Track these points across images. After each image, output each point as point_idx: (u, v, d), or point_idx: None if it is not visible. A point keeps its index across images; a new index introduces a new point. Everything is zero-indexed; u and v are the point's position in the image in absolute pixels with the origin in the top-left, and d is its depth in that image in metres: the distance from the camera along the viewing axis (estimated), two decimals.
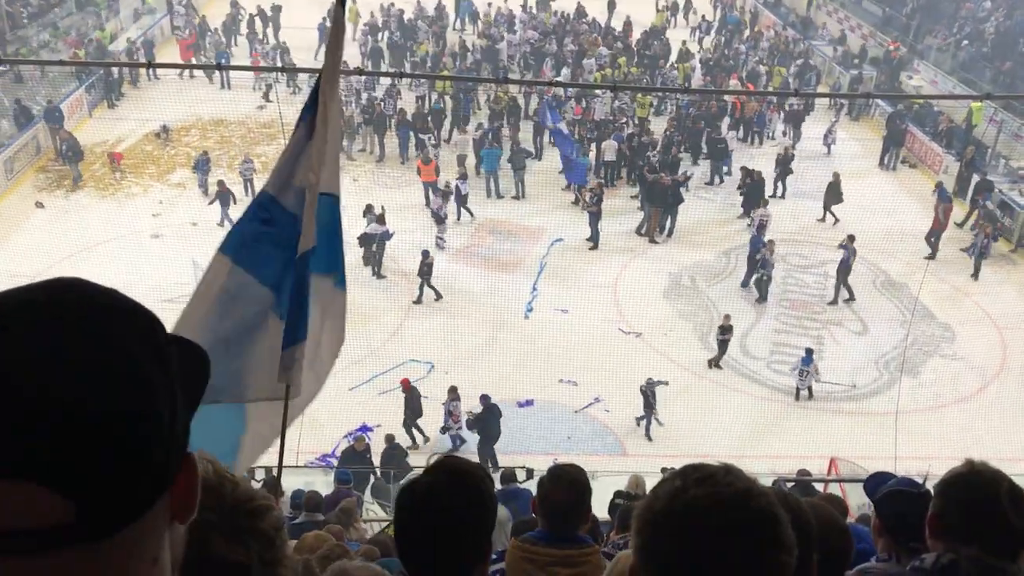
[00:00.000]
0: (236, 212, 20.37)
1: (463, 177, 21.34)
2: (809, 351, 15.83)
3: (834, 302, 18.67)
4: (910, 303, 18.20)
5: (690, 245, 20.32)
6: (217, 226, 19.71)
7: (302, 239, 3.87)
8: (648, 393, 14.71)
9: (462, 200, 21.11)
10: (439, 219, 19.97)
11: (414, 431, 14.60)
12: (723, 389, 16.04)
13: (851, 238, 18.29)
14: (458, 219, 21.02)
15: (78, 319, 0.79)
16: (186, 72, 26.35)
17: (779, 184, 22.48)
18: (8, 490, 0.72)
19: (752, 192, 21.09)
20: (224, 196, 20.14)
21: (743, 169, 21.81)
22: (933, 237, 20.14)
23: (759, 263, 18.25)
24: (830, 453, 13.80)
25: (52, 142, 22.46)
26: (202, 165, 21.26)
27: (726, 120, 25.34)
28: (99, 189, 21.95)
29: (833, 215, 21.38)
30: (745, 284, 18.81)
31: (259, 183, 19.51)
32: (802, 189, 22.51)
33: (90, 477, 0.75)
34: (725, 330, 16.37)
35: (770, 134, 26.15)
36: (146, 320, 0.84)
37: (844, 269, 18.48)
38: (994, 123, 23.56)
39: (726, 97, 25.81)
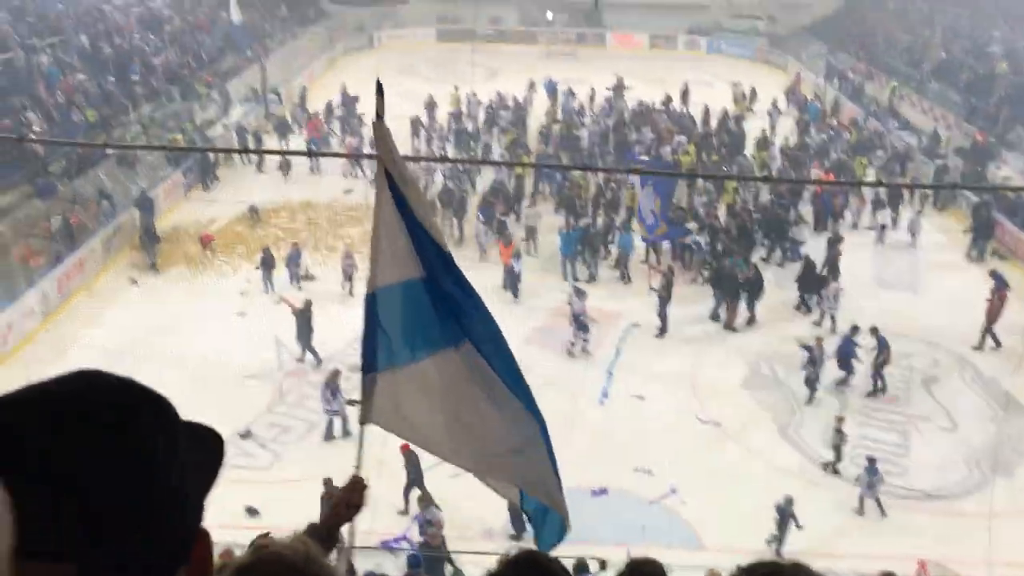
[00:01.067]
0: (277, 278, 21.05)
1: (517, 256, 21.61)
2: (872, 460, 14.92)
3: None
4: (1001, 398, 17.52)
5: (769, 333, 19.99)
6: (250, 282, 20.39)
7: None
8: (785, 513, 13.71)
9: (515, 279, 21.32)
10: (582, 325, 19.24)
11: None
12: (804, 483, 15.53)
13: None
14: (515, 298, 21.13)
15: (96, 410, 0.86)
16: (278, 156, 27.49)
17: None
18: (45, 571, 0.79)
19: (811, 280, 20.95)
20: (267, 261, 21.31)
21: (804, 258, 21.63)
22: (990, 325, 19.50)
23: (809, 359, 17.72)
24: (917, 554, 13.18)
25: (139, 227, 23.23)
26: (267, 262, 21.73)
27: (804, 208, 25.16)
28: (191, 267, 22.78)
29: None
30: (843, 383, 18.26)
31: (359, 278, 19.98)
32: (886, 279, 22.07)
33: (112, 553, 0.82)
34: (839, 433, 15.68)
35: (854, 224, 25.86)
36: (160, 408, 0.92)
37: None
38: None
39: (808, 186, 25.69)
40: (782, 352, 19.38)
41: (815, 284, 20.95)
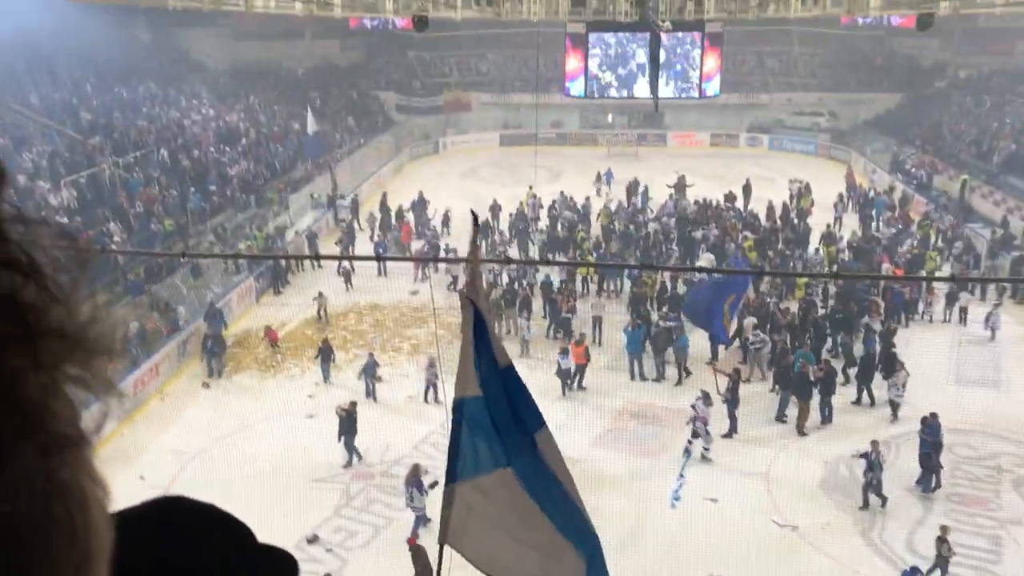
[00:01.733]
0: (336, 372, 21.12)
1: (564, 352, 21.56)
2: (915, 569, 14.31)
3: None
4: None
5: (846, 432, 19.34)
6: (318, 385, 20.53)
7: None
8: None
9: (564, 375, 21.24)
10: (700, 431, 18.76)
11: None
12: None
13: None
14: (563, 393, 20.88)
15: (179, 532, 0.89)
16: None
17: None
18: None
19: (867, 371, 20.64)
20: (326, 352, 22.04)
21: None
22: None
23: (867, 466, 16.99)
24: None
25: (206, 338, 23.42)
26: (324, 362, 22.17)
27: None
28: (261, 370, 23.14)
29: None
30: (926, 489, 17.52)
31: (446, 387, 20.14)
32: (966, 375, 21.32)
33: None
34: (944, 543, 14.81)
35: (929, 317, 25.25)
36: (238, 534, 0.94)
37: None
38: None
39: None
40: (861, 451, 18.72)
41: (869, 375, 20.58)
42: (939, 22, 25.87)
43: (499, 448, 4.58)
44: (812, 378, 19.80)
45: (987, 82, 48.91)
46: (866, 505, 16.75)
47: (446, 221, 32.86)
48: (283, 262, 28.59)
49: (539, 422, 4.81)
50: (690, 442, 18.76)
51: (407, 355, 23.87)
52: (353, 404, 18.73)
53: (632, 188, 36.45)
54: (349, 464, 18.63)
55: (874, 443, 16.91)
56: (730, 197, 35.18)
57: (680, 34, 28.81)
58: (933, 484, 17.40)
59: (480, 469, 4.51)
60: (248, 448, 18.95)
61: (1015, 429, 19.13)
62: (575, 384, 21.74)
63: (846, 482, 17.85)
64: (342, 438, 18.54)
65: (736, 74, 51.91)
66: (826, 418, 19.94)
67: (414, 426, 19.61)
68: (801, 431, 19.70)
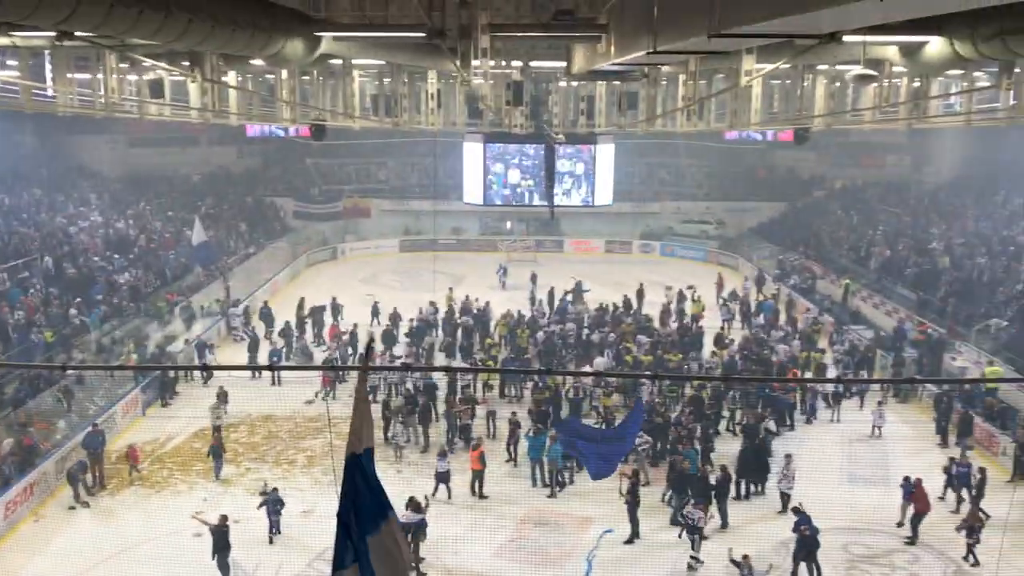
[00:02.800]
0: (226, 488, 20.22)
1: (442, 455, 21.56)
2: None
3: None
4: None
5: (744, 537, 19.43)
6: (206, 500, 19.66)
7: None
8: None
9: (441, 478, 21.16)
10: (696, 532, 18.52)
11: None
12: None
13: None
14: (433, 494, 20.65)
15: None
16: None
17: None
18: None
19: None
20: (216, 449, 21.85)
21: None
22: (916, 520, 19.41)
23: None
24: None
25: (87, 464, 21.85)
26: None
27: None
28: (146, 488, 21.98)
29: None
30: None
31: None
32: (857, 474, 21.85)
33: None
34: None
35: (808, 419, 26.06)
36: None
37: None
38: None
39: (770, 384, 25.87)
40: (762, 554, 18.79)
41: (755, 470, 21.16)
42: (815, 136, 27.48)
43: (384, 498, 5.06)
44: (712, 480, 19.94)
45: (860, 193, 52.04)
46: None
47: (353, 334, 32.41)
48: (171, 374, 27.62)
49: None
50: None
51: (301, 468, 23.12)
52: (224, 518, 17.80)
53: (547, 295, 36.99)
54: None
55: (745, 557, 16.68)
56: (626, 303, 35.94)
57: (573, 146, 29.71)
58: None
59: (378, 521, 5.00)
60: (131, 572, 17.82)
61: (905, 527, 19.55)
62: (477, 491, 21.40)
63: None
64: (215, 556, 17.53)
65: (628, 183, 53.83)
66: (724, 523, 20.01)
67: (310, 541, 18.83)
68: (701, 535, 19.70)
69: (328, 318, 34.60)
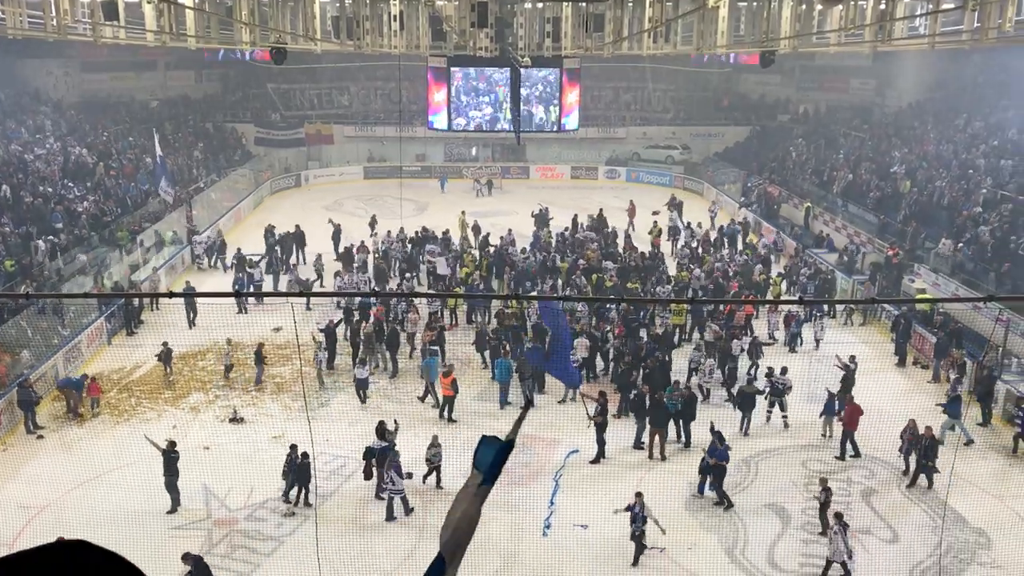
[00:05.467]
0: (195, 415, 20.40)
1: (363, 363, 22.89)
2: None
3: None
4: (939, 508, 17.69)
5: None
6: (175, 428, 19.68)
7: None
8: None
9: (360, 384, 22.49)
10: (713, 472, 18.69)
11: None
12: None
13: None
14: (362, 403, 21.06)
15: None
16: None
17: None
18: None
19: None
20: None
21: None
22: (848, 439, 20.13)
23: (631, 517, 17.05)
24: None
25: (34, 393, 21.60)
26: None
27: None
28: (114, 416, 22.01)
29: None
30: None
31: (311, 425, 19.73)
32: (816, 394, 22.39)
33: None
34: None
35: (771, 337, 26.63)
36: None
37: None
38: (1001, 323, 23.78)
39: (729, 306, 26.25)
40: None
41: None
42: (780, 60, 27.41)
43: None
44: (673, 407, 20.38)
45: (824, 116, 52.17)
46: (636, 562, 16.33)
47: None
48: (136, 302, 27.43)
49: None
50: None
51: (270, 394, 23.26)
52: (172, 443, 17.91)
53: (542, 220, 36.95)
54: (173, 510, 17.74)
55: (639, 495, 16.50)
56: (593, 227, 36.09)
57: (539, 70, 29.36)
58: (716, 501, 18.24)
59: None
60: (101, 498, 17.98)
61: (861, 443, 20.18)
62: (446, 416, 21.76)
63: (709, 503, 18.42)
64: (165, 479, 17.69)
65: (594, 109, 53.52)
66: (687, 443, 20.55)
67: (279, 467, 19.05)
68: (662, 456, 20.21)
69: (293, 246, 34.41)
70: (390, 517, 17.71)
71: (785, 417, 21.79)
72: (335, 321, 25.25)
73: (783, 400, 21.76)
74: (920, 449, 18.74)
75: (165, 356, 23.67)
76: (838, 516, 15.95)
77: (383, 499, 18.18)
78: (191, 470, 18.24)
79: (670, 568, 16.19)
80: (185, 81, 54.71)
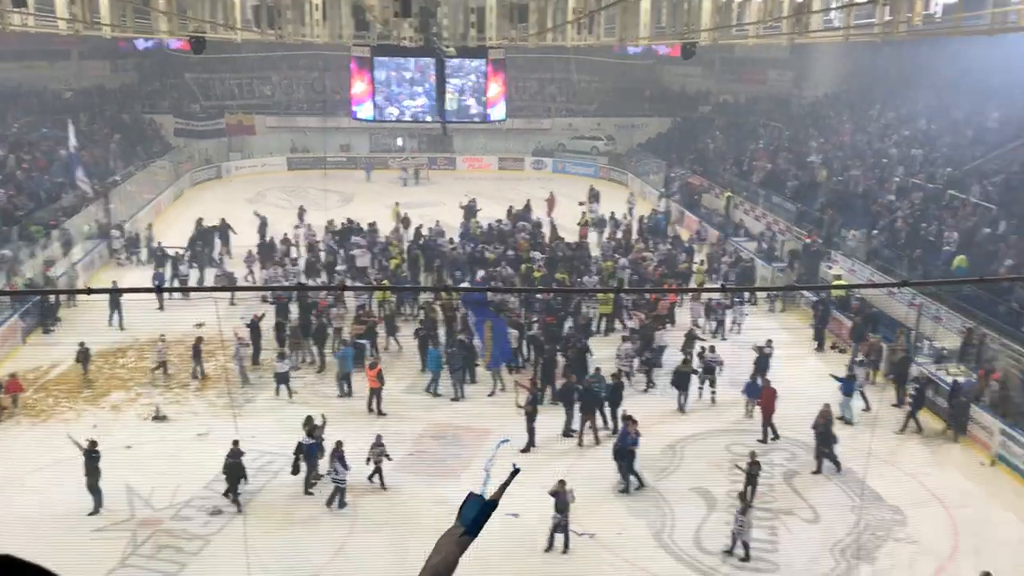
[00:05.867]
0: (116, 414, 19.96)
1: (281, 356, 22.64)
2: None
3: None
4: (857, 487, 18.29)
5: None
6: (96, 427, 19.22)
7: None
8: None
9: (280, 379, 22.28)
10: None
11: None
12: None
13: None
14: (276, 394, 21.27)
15: None
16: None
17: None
18: None
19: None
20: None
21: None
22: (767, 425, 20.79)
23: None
24: None
25: None
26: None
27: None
28: (31, 417, 21.32)
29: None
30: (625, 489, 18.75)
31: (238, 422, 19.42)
32: (739, 379, 22.91)
33: None
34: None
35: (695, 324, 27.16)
36: None
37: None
38: (914, 307, 24.64)
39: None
40: (649, 457, 19.71)
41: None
42: (701, 52, 27.85)
43: None
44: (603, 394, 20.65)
45: (744, 107, 53.27)
46: (550, 547, 16.41)
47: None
48: (52, 299, 26.57)
49: None
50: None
51: (195, 392, 22.81)
52: (93, 443, 17.46)
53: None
54: (95, 511, 17.29)
55: (561, 482, 16.48)
56: (520, 216, 36.27)
57: (465, 60, 29.31)
58: (635, 485, 18.58)
59: None
60: (20, 502, 17.40)
61: (782, 426, 20.72)
62: (375, 408, 21.63)
63: (634, 488, 18.69)
64: (86, 480, 17.23)
65: (520, 100, 53.65)
66: (614, 429, 20.81)
67: (205, 464, 18.74)
68: (596, 441, 20.45)
69: (218, 240, 33.76)
70: (331, 504, 17.62)
71: (714, 393, 22.60)
72: (259, 315, 24.88)
73: (713, 376, 22.61)
74: (817, 436, 19.29)
75: (83, 357, 23.00)
76: (741, 496, 16.41)
77: (311, 494, 18.04)
78: (114, 470, 17.79)
79: (600, 553, 16.41)
80: (100, 71, 53.12)
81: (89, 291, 9.14)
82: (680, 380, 22.08)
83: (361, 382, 22.42)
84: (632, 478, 18.59)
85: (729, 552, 16.36)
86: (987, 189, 29.73)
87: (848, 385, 21.60)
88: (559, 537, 16.41)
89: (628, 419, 18.76)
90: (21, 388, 21.77)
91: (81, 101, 49.72)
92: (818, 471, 19.34)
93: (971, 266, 25.73)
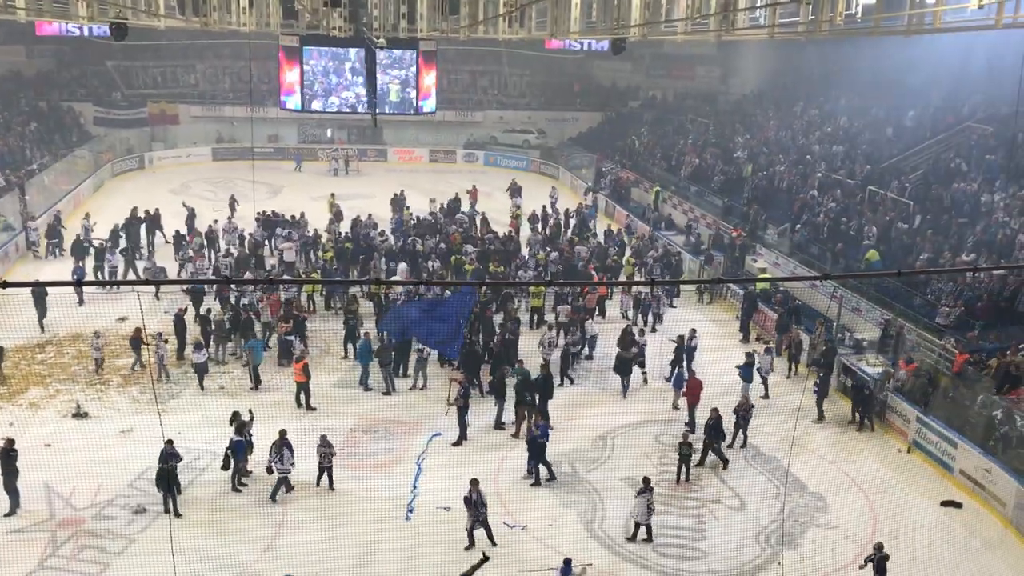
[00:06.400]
0: (34, 411, 19.40)
1: (199, 346, 22.47)
2: (567, 561, 15.07)
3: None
4: (782, 475, 18.74)
5: (564, 431, 20.42)
6: (12, 425, 18.68)
7: None
8: None
9: (198, 369, 22.18)
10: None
11: None
12: None
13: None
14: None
15: None
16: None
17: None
18: None
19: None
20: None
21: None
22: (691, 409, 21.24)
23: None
24: None
25: None
26: None
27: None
28: None
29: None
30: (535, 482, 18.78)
31: (162, 418, 18.99)
32: (664, 369, 23.25)
33: None
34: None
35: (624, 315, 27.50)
36: None
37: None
38: (835, 299, 25.32)
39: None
40: (580, 449, 19.89)
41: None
42: (631, 47, 28.15)
43: None
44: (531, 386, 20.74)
45: (673, 103, 53.99)
46: (472, 544, 16.30)
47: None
48: None
49: None
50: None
51: (117, 387, 22.23)
52: (10, 441, 16.94)
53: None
54: (12, 512, 16.79)
55: (474, 482, 16.32)
56: (450, 210, 36.23)
57: (395, 52, 29.08)
58: (545, 476, 18.70)
59: None
60: None
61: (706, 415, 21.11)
62: (304, 403, 21.38)
63: (568, 479, 18.86)
64: (3, 480, 16.74)
65: (451, 92, 53.47)
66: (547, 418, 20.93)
67: (129, 462, 18.29)
68: (517, 436, 20.51)
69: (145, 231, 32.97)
70: (275, 496, 17.55)
71: (645, 374, 23.44)
72: (183, 308, 24.36)
73: (642, 360, 23.37)
74: (707, 429, 19.56)
75: None
76: (645, 480, 16.74)
77: (240, 491, 17.77)
78: (32, 469, 17.23)
79: (531, 544, 16.51)
80: (15, 56, 51.20)
81: (4, 284, 8.81)
82: (622, 366, 22.66)
83: (278, 376, 22.18)
84: (544, 470, 18.69)
85: (631, 538, 16.73)
86: (904, 185, 30.67)
87: (746, 371, 22.24)
88: (479, 533, 16.40)
89: (540, 411, 18.99)
90: None
91: None
92: (729, 446, 19.94)
93: (889, 259, 26.54)
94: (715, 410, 19.50)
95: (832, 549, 16.78)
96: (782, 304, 26.23)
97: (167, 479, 16.83)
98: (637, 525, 16.79)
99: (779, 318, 25.62)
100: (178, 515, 16.86)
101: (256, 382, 22.40)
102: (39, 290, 24.32)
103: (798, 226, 31.36)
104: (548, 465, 18.75)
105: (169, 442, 16.91)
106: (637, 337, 23.74)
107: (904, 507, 18.25)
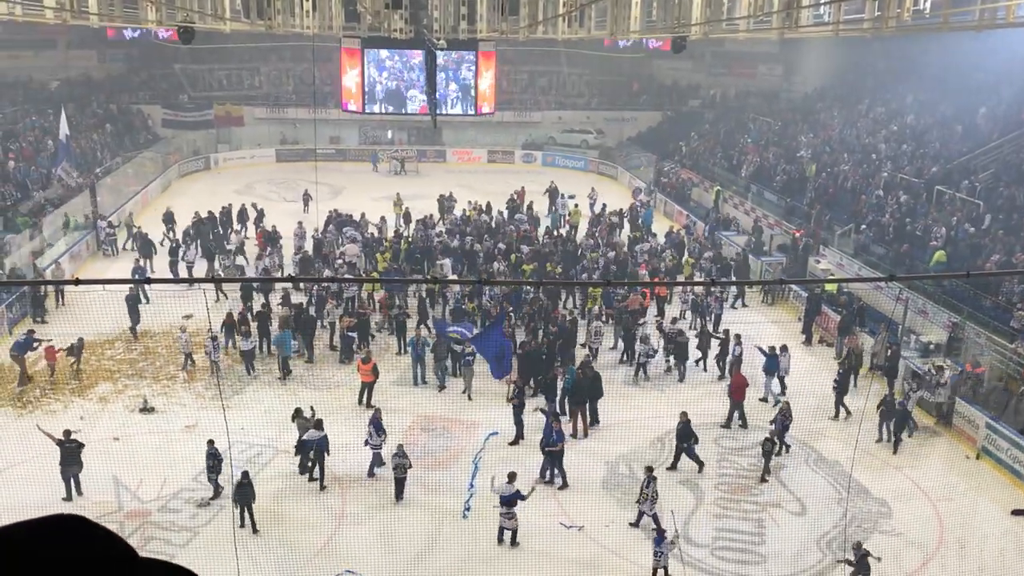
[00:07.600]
0: (103, 406, 19.86)
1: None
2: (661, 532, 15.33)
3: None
4: (844, 480, 18.39)
5: (624, 432, 20.32)
6: (83, 419, 19.12)
7: None
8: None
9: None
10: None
11: None
12: None
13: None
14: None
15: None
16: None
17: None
18: None
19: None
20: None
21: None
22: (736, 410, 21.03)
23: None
24: None
25: None
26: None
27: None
28: (17, 408, 21.21)
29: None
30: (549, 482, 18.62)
31: (227, 415, 19.36)
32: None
33: None
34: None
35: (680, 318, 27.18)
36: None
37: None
38: (901, 301, 24.76)
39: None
40: (637, 450, 19.78)
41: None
42: (691, 46, 27.88)
43: None
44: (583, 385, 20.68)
45: (734, 101, 53.32)
46: (501, 541, 16.55)
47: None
48: (42, 289, 26.39)
49: None
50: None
51: (183, 383, 22.75)
52: (67, 433, 17.42)
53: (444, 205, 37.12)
54: (68, 498, 17.34)
55: (511, 475, 16.53)
56: (515, 209, 36.43)
57: (455, 53, 29.24)
58: (559, 482, 18.53)
59: None
60: (7, 494, 17.32)
61: (766, 417, 20.81)
62: (365, 401, 21.62)
63: (624, 480, 18.77)
64: (61, 470, 17.24)
65: (510, 93, 53.56)
66: (594, 420, 20.84)
67: (194, 456, 18.70)
68: (585, 434, 20.50)
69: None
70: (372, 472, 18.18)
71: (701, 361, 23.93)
72: (247, 308, 24.83)
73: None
74: (677, 434, 19.12)
75: (77, 349, 22.81)
76: (648, 469, 16.64)
77: (325, 488, 18.01)
78: (101, 462, 17.75)
79: (589, 546, 16.46)
80: (87, 61, 52.71)
81: (77, 282, 9.08)
82: (679, 351, 23.21)
83: (339, 372, 22.42)
84: (558, 476, 18.52)
85: (635, 524, 16.82)
86: (974, 185, 29.87)
87: (770, 363, 21.87)
88: (507, 533, 16.43)
89: (554, 416, 18.77)
90: (55, 357, 22.10)
91: (67, 91, 49.36)
92: (672, 467, 19.27)
93: (956, 261, 25.87)
94: (684, 414, 19.14)
95: (896, 556, 16.41)
96: (846, 306, 25.74)
97: (246, 494, 16.78)
98: (640, 514, 16.80)
99: (842, 320, 25.14)
100: (255, 531, 16.81)
101: (285, 373, 22.92)
102: (132, 297, 24.90)
103: (863, 226, 30.74)
104: (563, 473, 18.57)
105: (210, 442, 17.27)
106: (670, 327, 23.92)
107: (972, 515, 17.77)
